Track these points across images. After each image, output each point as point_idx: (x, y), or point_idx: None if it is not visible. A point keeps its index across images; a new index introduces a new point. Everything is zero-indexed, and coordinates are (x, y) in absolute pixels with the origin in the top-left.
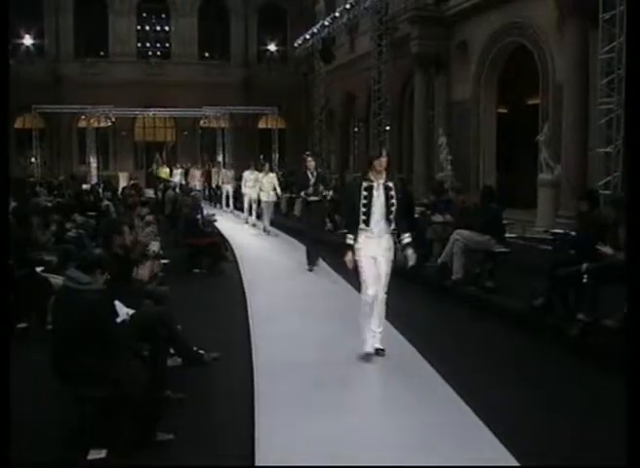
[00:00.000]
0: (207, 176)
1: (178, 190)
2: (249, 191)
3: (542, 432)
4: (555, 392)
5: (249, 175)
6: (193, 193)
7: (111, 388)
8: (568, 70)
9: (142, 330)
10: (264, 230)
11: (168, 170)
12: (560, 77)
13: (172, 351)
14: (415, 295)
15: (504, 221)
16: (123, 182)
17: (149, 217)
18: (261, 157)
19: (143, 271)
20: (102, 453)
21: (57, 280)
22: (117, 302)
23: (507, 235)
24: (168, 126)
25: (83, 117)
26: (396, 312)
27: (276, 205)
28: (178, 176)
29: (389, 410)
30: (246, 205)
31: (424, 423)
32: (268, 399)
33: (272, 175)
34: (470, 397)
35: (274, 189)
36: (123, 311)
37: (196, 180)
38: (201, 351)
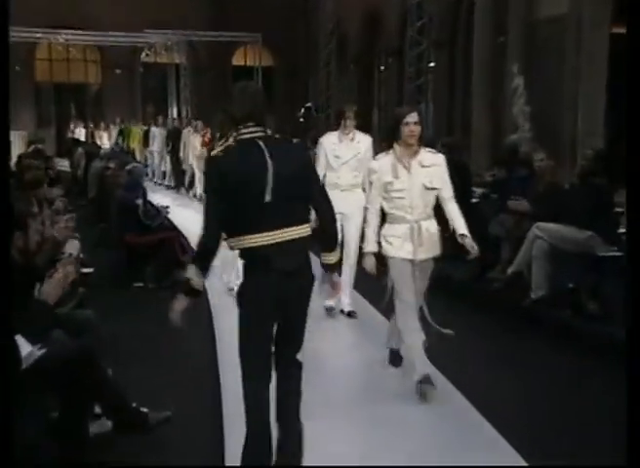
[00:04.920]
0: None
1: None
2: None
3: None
4: None
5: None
6: (130, 166)
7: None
8: None
9: (51, 375)
10: (348, 314)
11: (140, 130)
12: None
13: (97, 410)
14: (473, 323)
15: (617, 209)
16: (19, 148)
17: (60, 203)
18: None
19: (53, 286)
20: None
21: None
22: (18, 338)
23: (622, 231)
24: (89, 59)
25: None
26: (446, 351)
27: None
28: (157, 143)
29: None
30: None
31: None
32: None
33: (367, 142)
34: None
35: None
36: (27, 350)
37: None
38: (144, 409)
